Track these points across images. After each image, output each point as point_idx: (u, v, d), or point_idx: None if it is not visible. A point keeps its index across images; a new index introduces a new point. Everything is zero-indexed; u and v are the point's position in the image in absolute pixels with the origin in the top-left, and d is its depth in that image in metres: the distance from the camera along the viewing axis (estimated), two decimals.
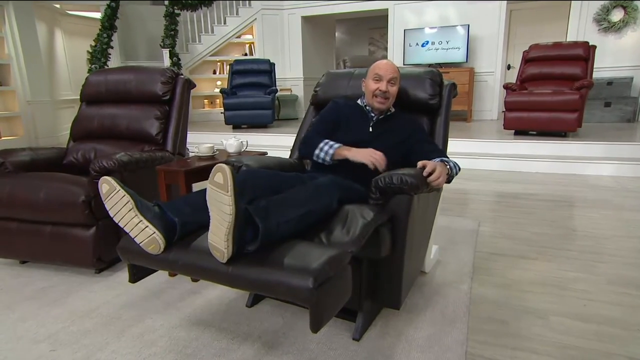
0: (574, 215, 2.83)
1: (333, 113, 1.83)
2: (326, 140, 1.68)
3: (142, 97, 2.43)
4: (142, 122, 2.37)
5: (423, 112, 1.95)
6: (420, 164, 1.51)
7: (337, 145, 1.65)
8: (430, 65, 6.42)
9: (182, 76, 2.49)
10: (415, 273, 1.83)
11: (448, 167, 1.60)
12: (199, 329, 1.59)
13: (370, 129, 1.76)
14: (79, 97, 2.53)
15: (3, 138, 6.35)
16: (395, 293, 1.54)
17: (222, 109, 6.17)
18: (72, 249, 1.93)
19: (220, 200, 1.08)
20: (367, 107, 1.81)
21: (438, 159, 1.63)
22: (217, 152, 2.12)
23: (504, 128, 4.66)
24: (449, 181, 1.63)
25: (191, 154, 2.26)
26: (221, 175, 1.06)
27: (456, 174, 1.68)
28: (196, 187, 1.97)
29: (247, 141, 2.20)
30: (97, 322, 1.65)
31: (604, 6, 5.66)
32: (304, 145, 1.76)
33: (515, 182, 3.75)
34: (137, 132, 2.37)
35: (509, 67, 7.46)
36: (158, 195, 1.97)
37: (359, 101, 1.85)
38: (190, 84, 2.51)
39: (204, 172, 1.95)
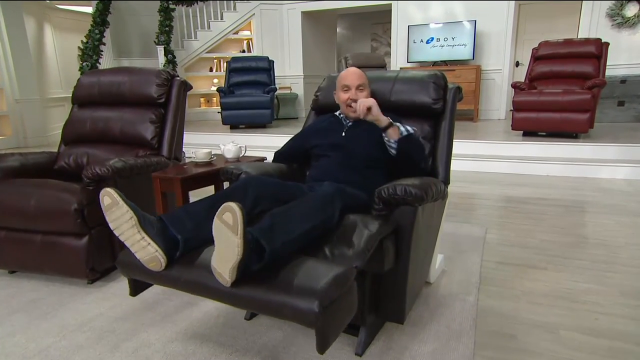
0: (585, 221, 2.73)
1: (311, 128, 1.97)
2: None
3: (136, 99, 2.35)
4: (137, 126, 2.30)
5: (426, 117, 1.87)
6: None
7: None
8: (435, 62, 6.31)
9: (178, 78, 2.42)
10: (419, 284, 1.76)
11: (397, 125, 1.62)
12: (196, 344, 1.53)
13: (343, 134, 1.80)
14: (69, 95, 2.45)
15: None
16: (399, 307, 1.47)
17: (219, 108, 6.07)
18: (63, 259, 1.87)
19: (228, 239, 1.05)
20: (341, 116, 1.86)
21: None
22: (215, 158, 2.05)
23: (512, 129, 4.55)
24: (407, 147, 1.65)
25: (187, 160, 2.19)
26: (230, 216, 1.03)
27: (410, 135, 1.65)
28: (193, 194, 1.91)
29: (245, 146, 2.12)
30: (90, 337, 1.58)
31: (617, 1, 5.50)
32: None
33: (524, 186, 3.65)
34: (131, 136, 2.30)
35: (517, 64, 7.31)
36: (153, 201, 1.90)
37: (336, 113, 1.88)
38: (186, 86, 2.43)
39: (201, 179, 1.88)
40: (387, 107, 1.89)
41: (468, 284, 1.92)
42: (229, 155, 2.07)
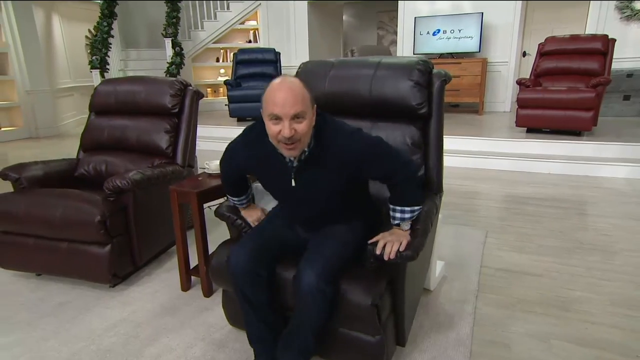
0: (583, 224, 2.82)
1: (235, 170, 1.56)
2: (234, 200, 1.66)
3: (151, 109, 2.45)
4: (152, 135, 2.40)
5: (413, 120, 1.73)
6: (378, 248, 1.35)
7: (243, 206, 1.68)
8: (441, 55, 6.29)
9: (190, 87, 2.50)
10: (417, 298, 1.84)
11: (406, 220, 1.41)
12: (213, 349, 1.66)
13: (293, 182, 1.37)
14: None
15: (3, 129, 6.38)
16: (399, 332, 1.57)
17: (225, 98, 6.15)
18: (88, 266, 2.00)
19: None
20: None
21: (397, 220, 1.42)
22: None
23: (516, 125, 4.59)
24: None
25: (200, 170, 2.28)
26: None
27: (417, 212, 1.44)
28: (214, 220, 2.02)
29: None
30: (116, 342, 1.72)
31: None
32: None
33: (526, 184, 3.73)
34: (147, 144, 2.41)
35: (524, 54, 7.27)
36: (169, 208, 1.99)
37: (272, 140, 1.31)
38: (198, 95, 2.52)
39: (214, 192, 1.98)
40: (366, 106, 1.74)
41: (467, 292, 2.03)
42: None
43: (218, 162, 2.14)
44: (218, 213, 1.71)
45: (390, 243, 1.35)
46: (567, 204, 3.23)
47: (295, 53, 7.60)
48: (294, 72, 6.99)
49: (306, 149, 1.31)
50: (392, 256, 1.32)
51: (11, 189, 2.27)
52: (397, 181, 1.39)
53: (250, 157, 1.44)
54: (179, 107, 2.44)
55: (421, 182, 1.67)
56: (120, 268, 2.06)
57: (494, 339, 1.71)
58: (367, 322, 1.35)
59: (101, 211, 1.92)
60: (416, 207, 1.43)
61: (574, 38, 4.70)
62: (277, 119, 1.22)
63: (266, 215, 1.67)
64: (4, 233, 2.11)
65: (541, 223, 2.85)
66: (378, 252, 1.35)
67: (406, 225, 1.43)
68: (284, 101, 1.19)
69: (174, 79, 2.48)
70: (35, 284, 2.18)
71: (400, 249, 1.33)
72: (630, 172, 3.83)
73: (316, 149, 1.32)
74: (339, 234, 1.44)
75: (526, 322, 1.81)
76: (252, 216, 1.67)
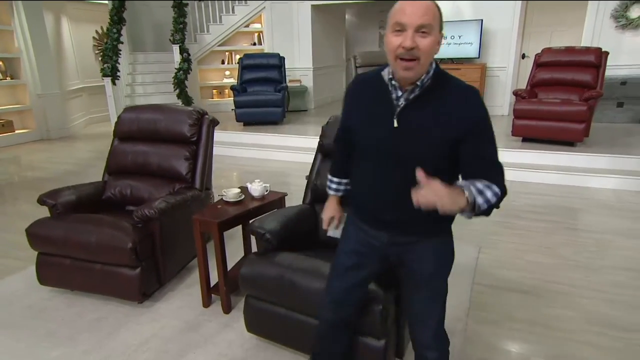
0: (569, 240, 3.04)
1: (351, 104, 1.36)
2: (331, 179, 1.59)
3: (171, 136, 2.65)
4: (172, 162, 2.60)
5: None
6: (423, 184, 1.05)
7: (331, 193, 1.61)
8: (441, 60, 6.44)
9: (207, 116, 2.70)
10: None
11: (466, 195, 1.10)
12: None
13: (396, 122, 1.19)
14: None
15: (16, 132, 6.60)
16: (399, 343, 1.81)
17: (231, 100, 6.38)
18: (119, 285, 2.23)
19: None
20: (394, 82, 1.20)
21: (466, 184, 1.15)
22: (243, 197, 2.36)
23: (512, 135, 4.80)
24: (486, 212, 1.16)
25: (217, 196, 2.49)
26: None
27: (491, 207, 1.16)
28: (227, 234, 2.24)
29: (269, 186, 2.43)
30: (149, 357, 1.95)
31: (623, 1, 5.57)
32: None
33: (520, 195, 3.94)
34: (168, 170, 2.62)
35: (523, 57, 7.40)
36: (190, 230, 2.20)
37: (385, 72, 1.23)
38: (214, 123, 2.72)
39: (233, 221, 2.20)
40: None
41: (459, 309, 2.26)
42: (256, 193, 2.37)
43: (235, 190, 2.37)
44: (251, 229, 1.95)
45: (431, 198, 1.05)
46: (556, 216, 3.45)
47: (299, 56, 7.74)
48: (297, 74, 7.16)
49: (419, 83, 1.16)
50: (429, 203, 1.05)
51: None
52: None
53: (367, 86, 1.30)
54: (197, 135, 2.64)
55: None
56: (148, 287, 2.29)
57: (481, 356, 1.94)
58: (375, 324, 1.60)
59: (132, 238, 2.14)
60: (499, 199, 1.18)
61: (569, 50, 4.87)
62: (400, 30, 1.11)
63: (340, 240, 1.51)
64: (44, 254, 2.34)
65: (531, 239, 3.08)
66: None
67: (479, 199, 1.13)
68: (412, 10, 1.10)
69: (192, 108, 2.68)
70: (71, 300, 2.41)
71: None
72: (618, 183, 4.05)
73: (436, 86, 1.17)
74: (436, 285, 1.43)
75: (511, 339, 2.04)
76: (327, 210, 1.61)
